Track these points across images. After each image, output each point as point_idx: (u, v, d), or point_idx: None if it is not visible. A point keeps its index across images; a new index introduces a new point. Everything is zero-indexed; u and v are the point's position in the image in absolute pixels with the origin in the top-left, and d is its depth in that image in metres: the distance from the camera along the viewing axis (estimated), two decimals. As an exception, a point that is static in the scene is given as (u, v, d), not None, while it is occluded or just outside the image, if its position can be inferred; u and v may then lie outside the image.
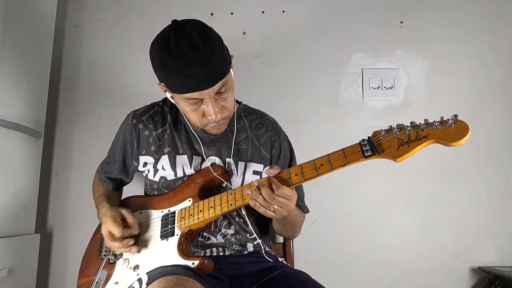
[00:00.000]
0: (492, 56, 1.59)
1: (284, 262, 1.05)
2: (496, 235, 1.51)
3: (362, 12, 1.62)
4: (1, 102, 1.24)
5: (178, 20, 0.90)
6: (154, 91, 1.54)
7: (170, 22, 0.90)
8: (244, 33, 1.62)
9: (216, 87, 0.87)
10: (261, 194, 0.82)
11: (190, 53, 0.82)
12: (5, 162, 1.28)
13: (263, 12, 1.63)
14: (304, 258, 1.48)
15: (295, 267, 1.07)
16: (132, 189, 1.25)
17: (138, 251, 0.97)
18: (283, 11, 1.63)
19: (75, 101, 1.60)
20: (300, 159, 1.14)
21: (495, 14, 1.61)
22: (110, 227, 0.94)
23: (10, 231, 1.30)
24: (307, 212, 1.12)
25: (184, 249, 0.91)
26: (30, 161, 1.42)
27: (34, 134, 1.39)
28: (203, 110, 0.92)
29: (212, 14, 1.63)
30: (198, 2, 1.63)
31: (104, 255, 1.04)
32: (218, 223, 1.00)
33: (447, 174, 1.54)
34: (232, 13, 1.63)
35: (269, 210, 0.84)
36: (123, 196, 1.22)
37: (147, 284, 0.81)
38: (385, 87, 1.58)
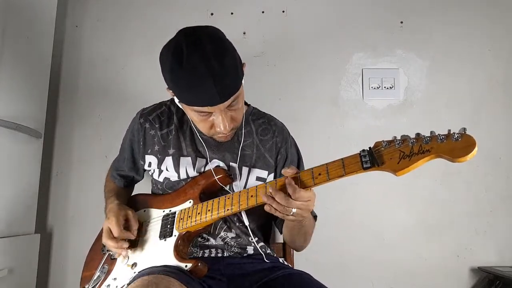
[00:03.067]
0: (492, 57, 1.59)
1: (285, 263, 1.05)
2: (496, 235, 1.51)
3: (362, 12, 1.62)
4: (1, 102, 1.24)
5: (192, 26, 0.88)
6: (154, 91, 1.54)
7: (182, 28, 0.88)
8: (244, 33, 1.62)
9: (227, 103, 0.85)
10: (275, 200, 0.79)
11: (203, 68, 0.79)
12: (5, 162, 1.28)
13: (263, 12, 1.63)
14: (304, 258, 1.48)
15: (295, 267, 1.07)
16: (141, 187, 1.25)
17: (134, 249, 0.97)
18: (283, 11, 1.63)
19: (75, 101, 1.60)
20: (300, 159, 1.14)
21: (495, 14, 1.61)
22: (111, 225, 0.95)
23: (10, 231, 1.30)
24: (315, 216, 1.08)
25: (180, 251, 0.91)
26: (30, 161, 1.42)
27: (34, 134, 1.39)
28: (212, 121, 0.90)
29: (212, 14, 1.63)
30: (198, 2, 1.63)
31: (107, 251, 1.05)
32: (218, 226, 0.99)
33: (447, 174, 1.54)
34: (232, 13, 1.63)
35: (287, 214, 0.80)
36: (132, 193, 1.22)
37: (128, 284, 0.81)
38: (385, 87, 1.58)
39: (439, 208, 1.52)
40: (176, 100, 0.94)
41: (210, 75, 0.80)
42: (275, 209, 0.80)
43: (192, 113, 0.91)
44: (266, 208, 0.81)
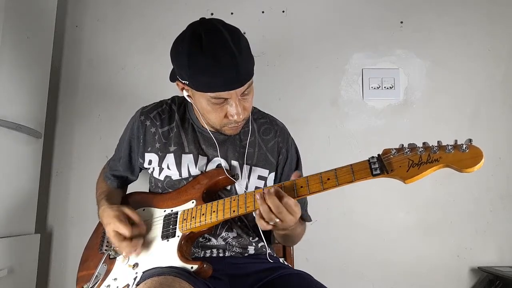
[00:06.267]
0: (491, 56, 1.59)
1: (285, 263, 1.05)
2: (496, 235, 1.51)
3: (362, 12, 1.62)
4: (1, 102, 1.24)
5: (199, 20, 0.91)
6: (154, 90, 1.55)
7: (199, 19, 0.91)
8: (244, 33, 1.59)
9: (243, 88, 0.87)
10: (266, 204, 0.77)
11: (223, 53, 0.82)
12: (5, 162, 1.28)
13: (263, 12, 1.63)
14: (304, 258, 1.48)
15: (295, 267, 1.07)
16: (136, 186, 1.25)
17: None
18: (283, 11, 1.63)
19: (75, 101, 1.60)
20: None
21: (495, 14, 1.61)
22: (118, 227, 0.91)
23: (10, 231, 1.30)
24: (310, 221, 1.08)
25: (184, 251, 0.90)
26: (30, 161, 1.42)
27: (34, 134, 1.39)
28: (225, 110, 0.91)
29: (212, 14, 1.63)
30: (198, 2, 1.63)
31: (105, 250, 1.03)
32: (220, 226, 0.99)
33: (447, 174, 1.52)
34: (232, 13, 1.63)
35: (269, 223, 0.79)
36: (127, 192, 1.21)
37: (137, 285, 0.80)
38: (385, 87, 1.58)
39: (439, 208, 1.52)
40: (185, 94, 0.94)
41: (231, 59, 0.82)
42: (260, 215, 0.78)
43: (205, 102, 0.91)
44: (256, 213, 0.80)
